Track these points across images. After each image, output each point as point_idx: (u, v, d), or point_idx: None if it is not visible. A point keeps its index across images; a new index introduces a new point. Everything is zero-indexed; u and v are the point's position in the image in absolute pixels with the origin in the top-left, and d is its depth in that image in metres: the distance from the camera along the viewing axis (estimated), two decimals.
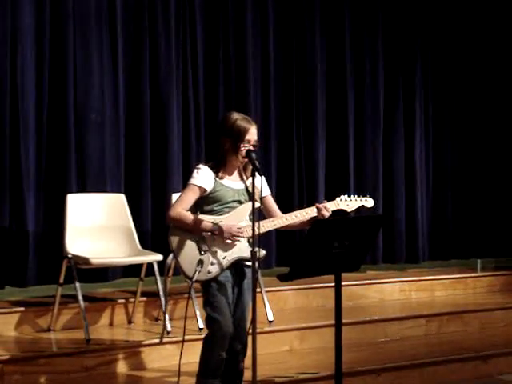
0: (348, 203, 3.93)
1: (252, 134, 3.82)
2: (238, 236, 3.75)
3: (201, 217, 3.78)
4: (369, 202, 3.99)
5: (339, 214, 3.94)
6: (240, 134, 3.79)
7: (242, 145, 3.78)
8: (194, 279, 3.74)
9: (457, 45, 7.57)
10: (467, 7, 7.62)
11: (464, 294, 6.72)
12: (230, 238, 3.75)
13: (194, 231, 3.76)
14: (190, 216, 3.78)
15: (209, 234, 3.76)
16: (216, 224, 3.75)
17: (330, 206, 3.85)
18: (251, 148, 3.77)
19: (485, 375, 5.11)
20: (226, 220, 3.79)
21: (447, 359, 5.08)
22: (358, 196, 3.97)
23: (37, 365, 4.39)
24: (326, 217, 3.79)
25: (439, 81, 7.53)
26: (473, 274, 7.00)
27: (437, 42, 7.49)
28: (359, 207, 3.97)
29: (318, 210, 3.80)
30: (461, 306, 6.17)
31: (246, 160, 3.80)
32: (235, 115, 3.87)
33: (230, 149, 3.82)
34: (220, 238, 3.75)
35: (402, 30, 7.29)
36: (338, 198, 3.92)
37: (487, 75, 7.68)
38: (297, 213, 3.86)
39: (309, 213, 3.84)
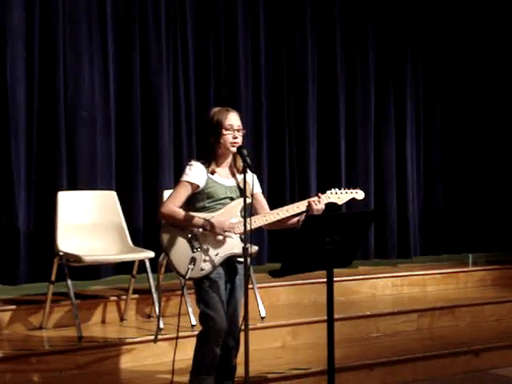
0: (339, 196, 3.92)
1: (231, 119, 3.81)
2: (230, 231, 3.75)
3: (192, 213, 3.78)
4: (359, 195, 3.98)
5: (330, 207, 3.94)
6: (219, 123, 3.79)
7: (223, 131, 3.78)
8: (187, 277, 3.73)
9: (447, 41, 7.60)
10: (457, 4, 7.63)
11: (456, 289, 6.74)
12: (221, 234, 3.75)
13: (186, 227, 3.76)
14: (181, 212, 3.77)
15: (200, 230, 3.75)
16: (207, 220, 3.74)
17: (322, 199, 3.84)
18: (236, 134, 3.77)
19: (477, 369, 5.13)
20: (218, 217, 3.78)
21: (439, 354, 5.09)
22: (349, 189, 3.97)
23: (29, 363, 4.38)
24: (320, 210, 3.79)
25: (429, 78, 7.55)
26: (464, 269, 7.02)
27: (427, 38, 7.51)
28: (350, 200, 3.97)
29: (309, 204, 3.80)
30: (452, 301, 6.18)
31: (235, 150, 3.79)
32: (214, 109, 3.90)
33: (214, 141, 3.82)
34: (211, 234, 3.75)
35: (392, 27, 7.31)
36: (328, 192, 3.90)
37: (476, 70, 7.72)
38: (288, 207, 3.84)
39: (300, 207, 3.82)
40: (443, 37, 7.57)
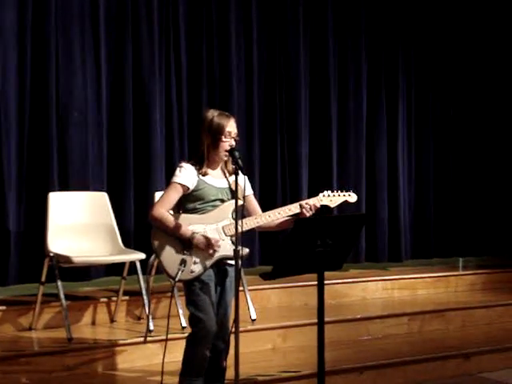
0: (331, 199, 3.91)
1: (231, 126, 3.83)
2: (214, 249, 3.74)
3: (183, 218, 3.77)
4: (352, 197, 3.97)
5: (323, 209, 3.94)
6: (219, 128, 3.80)
7: (223, 137, 3.79)
8: (177, 279, 3.72)
9: (439, 48, 7.62)
10: (449, 10, 7.66)
11: (446, 293, 6.76)
12: (206, 250, 3.74)
13: (174, 235, 3.75)
14: (170, 219, 3.76)
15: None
16: (194, 234, 3.73)
17: (313, 203, 3.83)
18: (232, 142, 3.78)
19: (467, 373, 5.15)
20: (209, 218, 3.78)
21: (429, 357, 5.10)
22: (342, 191, 3.97)
23: (18, 364, 4.37)
24: (310, 215, 3.79)
25: (422, 82, 7.57)
26: (455, 273, 7.05)
27: (419, 43, 7.54)
28: (342, 202, 3.96)
29: (301, 207, 3.80)
30: (443, 305, 6.21)
31: (228, 156, 3.79)
32: (213, 111, 3.88)
33: (210, 144, 3.82)
34: (197, 248, 3.74)
35: (384, 31, 7.32)
36: (320, 194, 3.90)
37: (468, 76, 7.75)
38: (279, 210, 3.84)
39: (292, 209, 3.82)
40: (435, 43, 7.59)
